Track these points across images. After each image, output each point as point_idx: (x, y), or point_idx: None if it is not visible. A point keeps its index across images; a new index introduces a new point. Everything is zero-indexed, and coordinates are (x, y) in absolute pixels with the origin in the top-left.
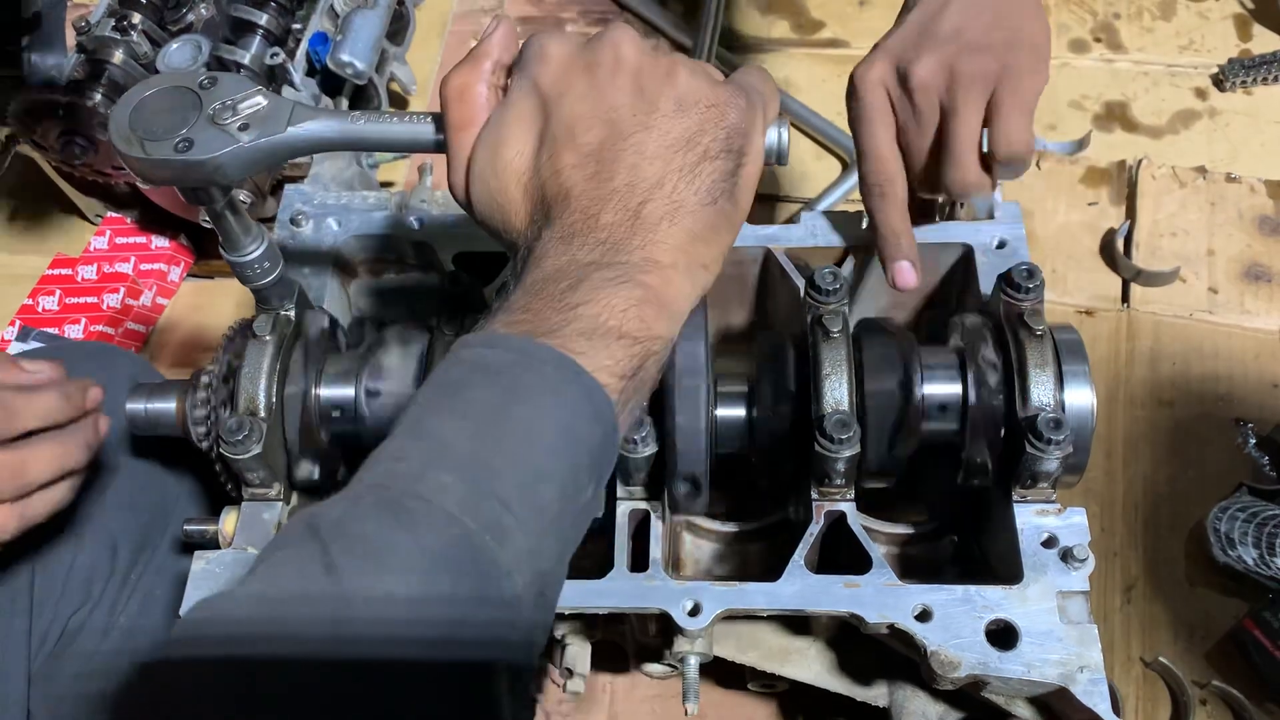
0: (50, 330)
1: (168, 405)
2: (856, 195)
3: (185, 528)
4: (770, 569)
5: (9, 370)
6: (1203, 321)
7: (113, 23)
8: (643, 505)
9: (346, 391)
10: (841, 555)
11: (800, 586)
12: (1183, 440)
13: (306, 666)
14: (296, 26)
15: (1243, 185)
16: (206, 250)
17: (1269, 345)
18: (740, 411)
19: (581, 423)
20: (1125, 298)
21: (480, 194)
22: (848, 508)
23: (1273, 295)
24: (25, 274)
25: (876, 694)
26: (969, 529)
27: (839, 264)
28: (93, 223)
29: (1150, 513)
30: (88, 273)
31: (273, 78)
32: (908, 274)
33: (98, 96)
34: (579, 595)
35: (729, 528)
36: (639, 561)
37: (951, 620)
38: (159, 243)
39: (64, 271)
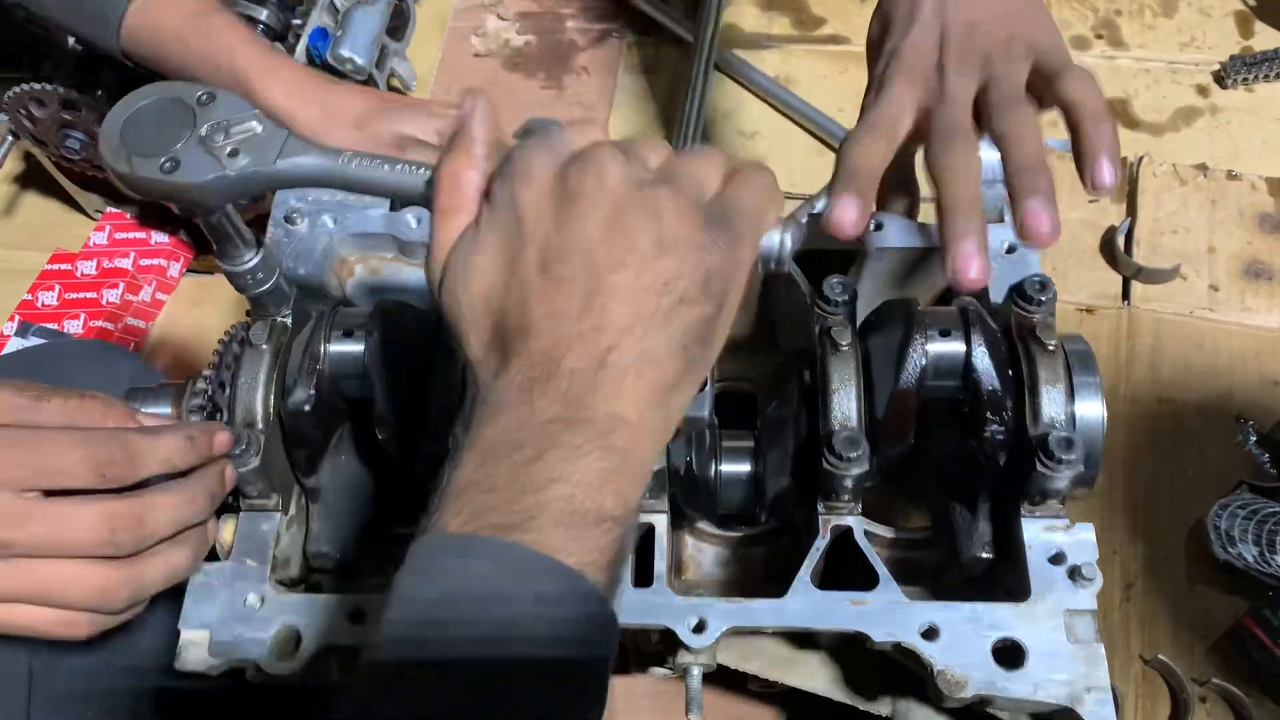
0: (50, 325)
1: (163, 411)
2: None
3: None
4: (773, 575)
5: (125, 415)
6: (1203, 319)
7: None
8: (647, 518)
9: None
10: (846, 567)
11: (806, 603)
12: (1183, 437)
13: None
14: (297, 22)
15: (1244, 183)
16: (206, 246)
17: (1270, 343)
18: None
19: (585, 648)
20: (1126, 295)
21: (449, 300)
22: (854, 522)
23: (1273, 293)
24: (25, 269)
25: (879, 704)
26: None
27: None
28: (92, 218)
29: (1150, 510)
30: (87, 268)
31: None
32: (847, 217)
33: (98, 91)
34: None
35: (732, 533)
36: (642, 576)
37: (958, 638)
38: (158, 238)
39: (63, 267)
